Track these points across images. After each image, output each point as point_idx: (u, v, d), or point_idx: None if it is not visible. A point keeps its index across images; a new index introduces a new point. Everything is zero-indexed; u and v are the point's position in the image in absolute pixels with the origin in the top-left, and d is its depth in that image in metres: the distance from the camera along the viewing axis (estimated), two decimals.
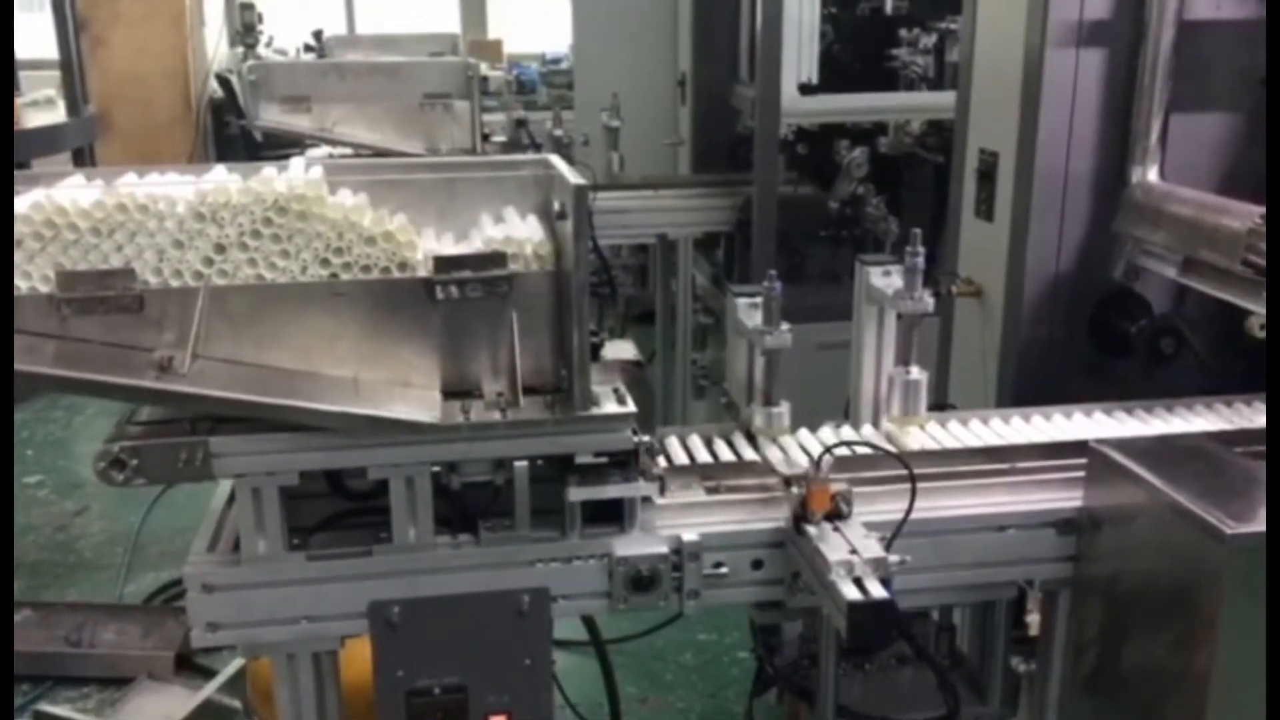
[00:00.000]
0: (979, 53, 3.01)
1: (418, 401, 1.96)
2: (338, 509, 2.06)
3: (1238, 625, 1.78)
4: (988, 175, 2.94)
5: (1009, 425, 2.41)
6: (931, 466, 2.16)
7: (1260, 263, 2.33)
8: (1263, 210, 2.31)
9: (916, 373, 2.27)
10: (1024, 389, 2.85)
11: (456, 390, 2.01)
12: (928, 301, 2.22)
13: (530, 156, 2.19)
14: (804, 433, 2.34)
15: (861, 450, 2.13)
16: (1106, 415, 2.45)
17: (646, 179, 5.30)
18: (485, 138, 5.01)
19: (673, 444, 2.31)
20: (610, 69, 6.01)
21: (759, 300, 2.29)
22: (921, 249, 2.22)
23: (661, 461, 2.17)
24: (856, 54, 5.32)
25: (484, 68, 6.27)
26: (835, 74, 5.13)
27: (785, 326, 2.19)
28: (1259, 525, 1.75)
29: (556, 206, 1.96)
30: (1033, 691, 2.29)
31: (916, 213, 5.19)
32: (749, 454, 2.25)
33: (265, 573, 1.94)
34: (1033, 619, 2.30)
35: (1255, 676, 1.80)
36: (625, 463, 2.00)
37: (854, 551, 1.84)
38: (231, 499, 2.02)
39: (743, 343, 2.34)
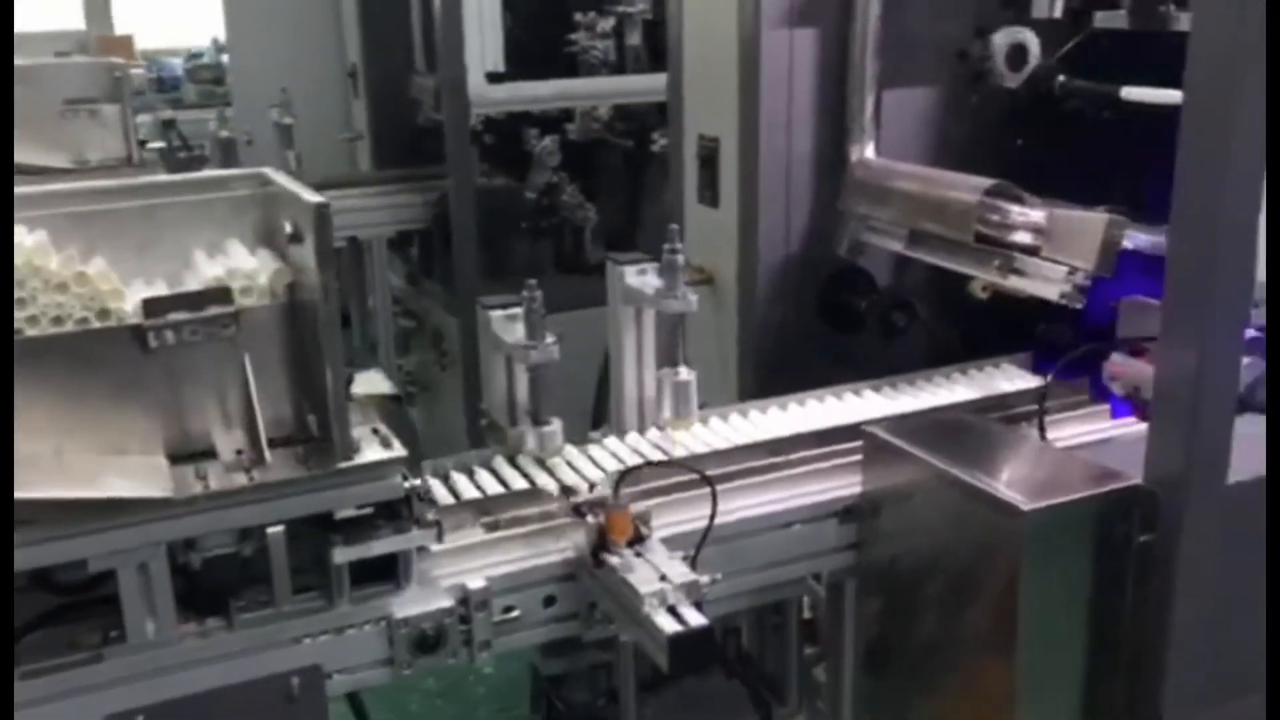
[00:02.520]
0: (689, 37, 2.95)
1: (141, 472, 1.66)
2: (49, 606, 1.71)
3: (1038, 594, 1.80)
4: (709, 161, 2.90)
5: (785, 413, 2.37)
6: (713, 469, 2.08)
7: (989, 233, 2.41)
8: (989, 183, 2.38)
9: (686, 373, 2.18)
10: (764, 373, 2.83)
11: (185, 453, 1.72)
12: (691, 299, 2.13)
13: (243, 172, 1.90)
14: (571, 450, 2.19)
15: (651, 462, 2.00)
16: (874, 393, 2.47)
17: (329, 179, 4.95)
18: (141, 144, 4.50)
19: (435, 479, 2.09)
20: (270, 62, 5.57)
21: (516, 312, 2.12)
22: (679, 245, 2.11)
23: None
24: (536, 40, 5.19)
25: None
26: (518, 61, 4.98)
27: (551, 339, 2.03)
28: (1051, 499, 1.78)
29: (289, 228, 1.70)
30: (827, 685, 2.27)
31: (612, 199, 5.17)
32: (523, 481, 2.07)
33: None
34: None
35: (1056, 641, 1.84)
36: (395, 512, 1.78)
37: (664, 578, 1.71)
38: None
39: (499, 359, 2.16)
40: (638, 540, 1.83)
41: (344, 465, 1.70)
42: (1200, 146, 1.64)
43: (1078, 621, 1.85)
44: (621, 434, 2.28)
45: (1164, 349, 1.75)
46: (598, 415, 2.95)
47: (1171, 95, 2.43)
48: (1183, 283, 1.71)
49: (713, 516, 1.88)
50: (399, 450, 1.75)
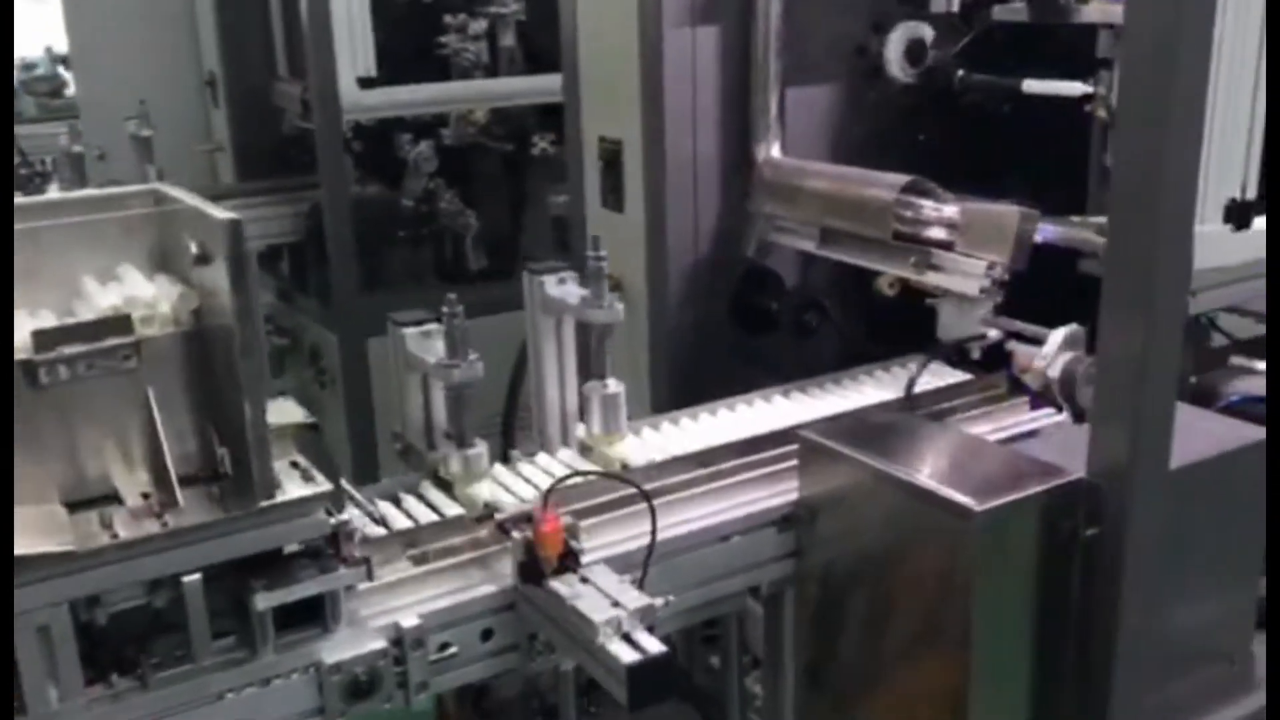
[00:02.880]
0: (585, 37, 2.86)
1: (37, 524, 1.50)
2: None
3: (989, 593, 1.78)
4: (612, 164, 2.81)
5: (715, 419, 2.31)
6: (647, 483, 2.00)
7: (905, 230, 2.39)
8: (905, 179, 2.36)
9: (615, 386, 2.09)
10: (677, 379, 2.77)
11: (85, 499, 1.57)
12: (618, 308, 2.04)
13: (136, 189, 1.74)
14: (499, 469, 2.08)
15: (581, 476, 1.91)
16: (801, 394, 2.43)
17: (193, 193, 4.69)
18: None
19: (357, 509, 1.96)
20: (119, 72, 5.24)
21: (432, 329, 2.00)
22: (603, 251, 2.03)
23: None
24: (405, 43, 5.02)
25: None
26: (387, 66, 4.81)
27: (474, 356, 1.92)
28: (1001, 498, 1.75)
29: (195, 249, 1.55)
30: (765, 699, 2.21)
31: (492, 204, 5.04)
32: (452, 506, 1.96)
33: None
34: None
35: (1007, 638, 1.83)
36: (320, 550, 1.65)
37: (616, 604, 1.62)
38: None
39: (415, 379, 2.04)
40: (568, 555, 1.74)
41: (265, 504, 1.57)
42: (1138, 134, 1.63)
43: (1027, 617, 1.84)
44: (550, 450, 2.18)
45: (1105, 340, 1.74)
46: (508, 431, 2.84)
47: (1074, 87, 2.48)
48: (1122, 271, 1.70)
49: (654, 534, 1.81)
50: (323, 484, 1.62)
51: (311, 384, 4.83)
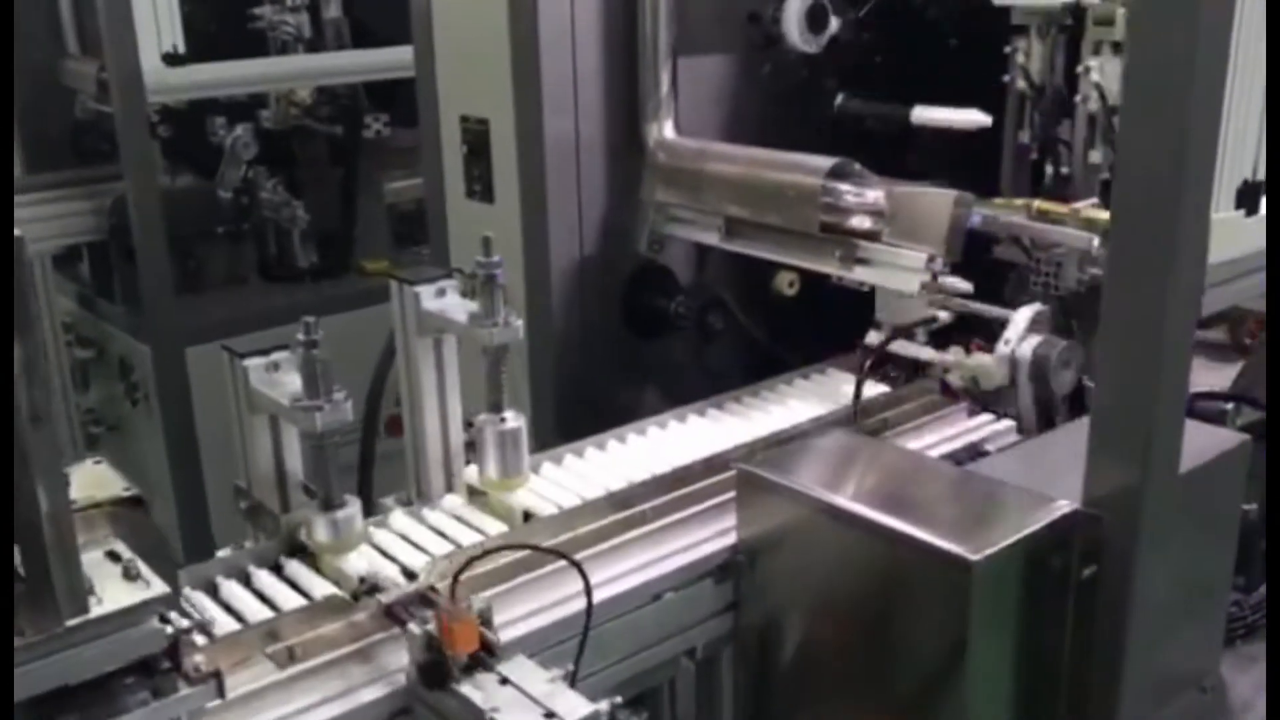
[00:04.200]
0: (440, 3, 2.46)
1: None
2: None
3: (983, 646, 1.50)
4: (478, 148, 2.43)
5: (625, 447, 1.97)
6: (561, 535, 1.66)
7: (827, 219, 2.09)
8: (831, 162, 2.06)
9: (513, 419, 1.72)
10: (563, 393, 2.42)
11: None
12: (517, 324, 1.67)
13: None
14: (369, 526, 1.70)
15: (502, 551, 1.54)
16: (719, 411, 2.13)
17: None
18: None
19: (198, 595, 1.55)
20: None
21: (279, 358, 1.60)
22: (497, 256, 1.66)
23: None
24: (216, 16, 4.48)
25: None
26: (196, 41, 4.27)
27: (340, 393, 1.52)
28: (997, 543, 1.47)
29: None
30: None
31: (321, 194, 4.57)
32: (316, 583, 1.56)
33: None
34: None
35: (999, 687, 1.56)
36: (153, 665, 1.25)
37: (551, 715, 1.27)
38: None
39: (261, 421, 1.63)
40: (486, 649, 1.38)
41: (73, 623, 1.15)
42: (1151, 117, 1.36)
43: (1014, 674, 1.57)
44: (430, 499, 1.80)
45: (1111, 349, 1.48)
46: (364, 469, 2.43)
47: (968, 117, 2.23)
48: (1132, 269, 1.43)
49: (589, 613, 1.46)
50: (155, 586, 1.21)
51: (122, 401, 4.27)
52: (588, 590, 1.46)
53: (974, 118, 2.19)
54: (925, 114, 2.26)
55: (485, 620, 1.38)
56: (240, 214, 4.35)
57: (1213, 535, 1.85)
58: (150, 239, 3.80)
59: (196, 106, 4.30)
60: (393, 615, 1.43)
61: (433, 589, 1.44)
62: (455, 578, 1.37)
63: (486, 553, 1.51)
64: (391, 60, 4.10)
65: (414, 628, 1.37)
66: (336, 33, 4.53)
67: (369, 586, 1.51)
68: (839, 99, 2.44)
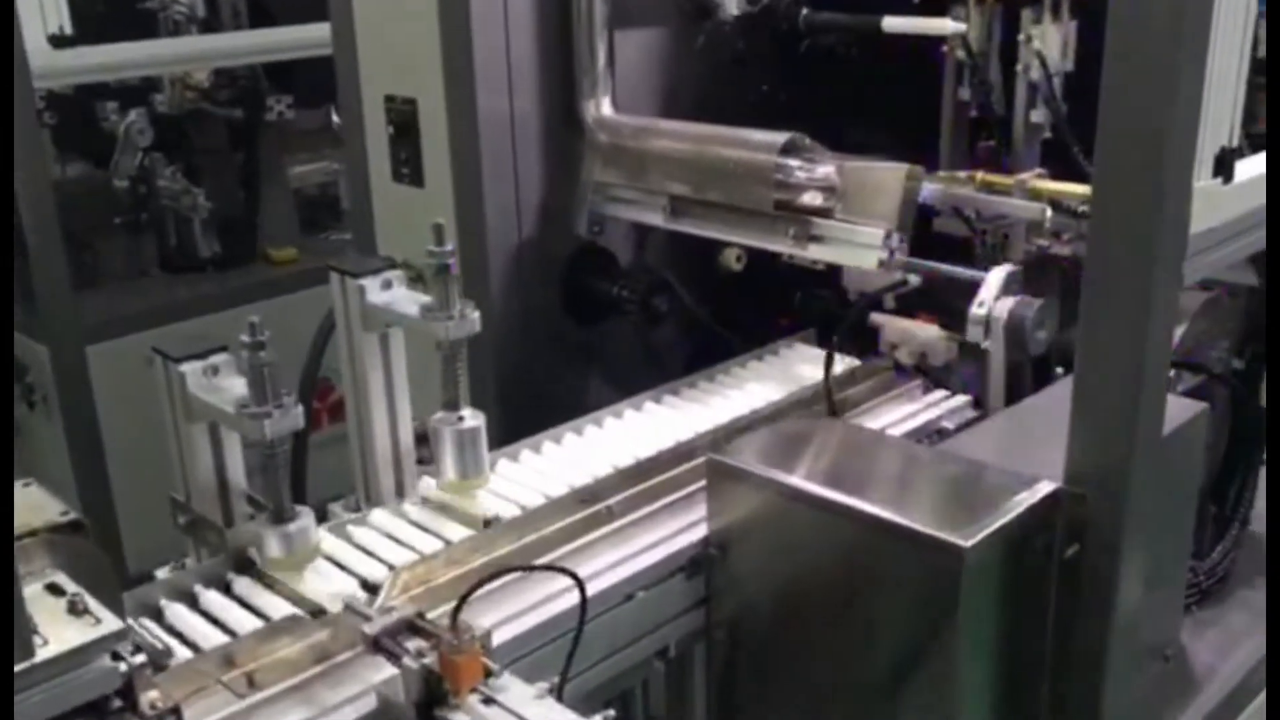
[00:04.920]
0: None
1: None
2: None
3: (970, 634, 1.46)
4: (405, 129, 2.31)
5: (584, 439, 1.90)
6: (527, 535, 1.58)
7: (780, 197, 2.03)
8: (784, 138, 2.00)
9: (472, 417, 1.62)
10: (505, 383, 2.32)
11: None
12: (473, 317, 1.58)
13: None
14: (323, 534, 1.59)
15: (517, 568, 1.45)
16: (675, 398, 2.05)
17: None
18: None
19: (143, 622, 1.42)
20: None
21: (218, 361, 1.48)
22: (449, 245, 1.55)
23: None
24: None
25: None
26: (83, 22, 4.05)
27: (291, 397, 1.41)
28: (986, 527, 1.43)
29: None
30: None
31: (222, 181, 4.38)
32: (273, 603, 1.45)
33: None
34: None
35: (984, 679, 1.52)
36: (104, 707, 1.13)
37: None
38: None
39: (199, 430, 1.51)
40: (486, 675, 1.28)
41: (21, 667, 1.03)
42: (1136, 79, 1.32)
43: (1004, 646, 1.54)
44: (377, 504, 1.70)
45: (1092, 317, 1.44)
46: (297, 467, 2.30)
47: (941, 25, 2.19)
48: (1114, 238, 1.40)
49: (581, 623, 1.38)
50: (107, 622, 1.10)
51: (18, 404, 4.04)
52: (583, 600, 1.38)
53: (945, 25, 2.13)
54: (897, 22, 2.19)
55: (485, 648, 1.29)
56: (137, 203, 4.16)
57: (1179, 504, 1.84)
58: (43, 232, 3.59)
59: (86, 91, 4.09)
60: (381, 648, 1.31)
61: (421, 616, 1.33)
62: (457, 608, 1.26)
63: (500, 570, 1.41)
64: (295, 39, 3.94)
65: (409, 663, 1.25)
66: (234, 12, 4.34)
67: (348, 611, 1.39)
68: (804, 12, 2.35)
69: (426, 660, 1.23)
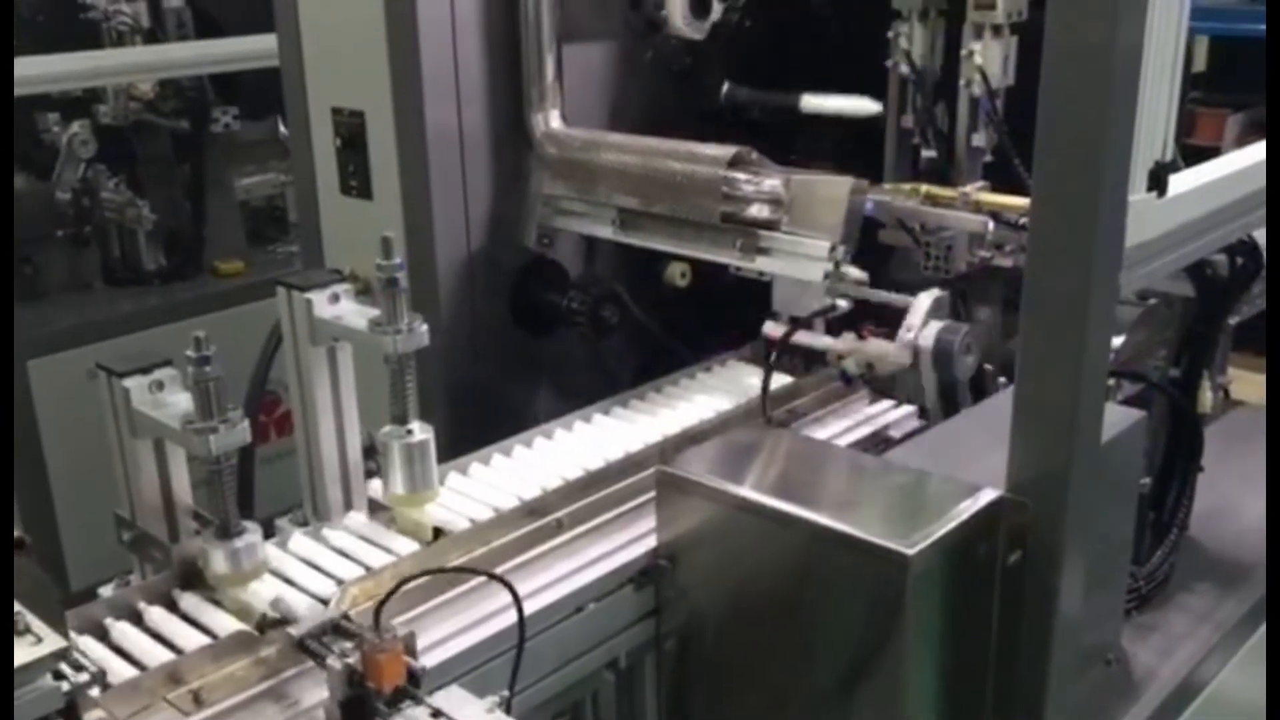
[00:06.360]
0: None
1: None
2: None
3: (916, 640, 1.48)
4: (353, 141, 2.31)
5: (532, 452, 1.89)
6: (476, 548, 1.58)
7: (727, 209, 2.05)
8: (731, 151, 2.02)
9: (421, 431, 1.62)
10: (454, 390, 2.32)
11: None
12: (422, 330, 1.58)
13: None
14: (271, 547, 1.58)
15: (427, 575, 1.44)
16: (625, 410, 2.06)
17: None
18: None
19: (86, 640, 1.41)
20: None
21: (163, 376, 1.47)
22: (397, 259, 1.55)
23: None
24: (43, 5, 4.19)
25: None
26: (23, 32, 3.98)
27: (237, 412, 1.41)
28: (930, 535, 1.45)
29: None
30: None
31: (167, 193, 4.33)
32: (218, 618, 1.44)
33: None
34: None
35: (930, 683, 1.54)
36: None
37: None
38: None
39: (144, 446, 1.50)
40: (412, 679, 1.28)
41: None
42: (1071, 93, 1.35)
43: (948, 653, 1.56)
44: (324, 518, 1.69)
45: (1032, 328, 1.47)
46: (244, 481, 2.28)
47: (858, 106, 2.22)
48: (1052, 249, 1.43)
49: (522, 635, 1.38)
50: (49, 640, 1.09)
51: None
52: (519, 610, 1.38)
53: (865, 106, 2.17)
54: (815, 102, 2.24)
55: (409, 649, 1.29)
56: (80, 216, 4.10)
57: (1119, 511, 1.87)
58: None
59: (27, 103, 4.02)
60: (306, 649, 1.32)
61: (347, 617, 1.33)
62: (379, 606, 1.27)
63: (416, 575, 1.41)
64: (241, 50, 3.91)
65: (333, 662, 1.26)
66: (179, 22, 4.29)
67: (278, 619, 1.40)
68: (725, 87, 2.40)
69: (350, 660, 1.23)
